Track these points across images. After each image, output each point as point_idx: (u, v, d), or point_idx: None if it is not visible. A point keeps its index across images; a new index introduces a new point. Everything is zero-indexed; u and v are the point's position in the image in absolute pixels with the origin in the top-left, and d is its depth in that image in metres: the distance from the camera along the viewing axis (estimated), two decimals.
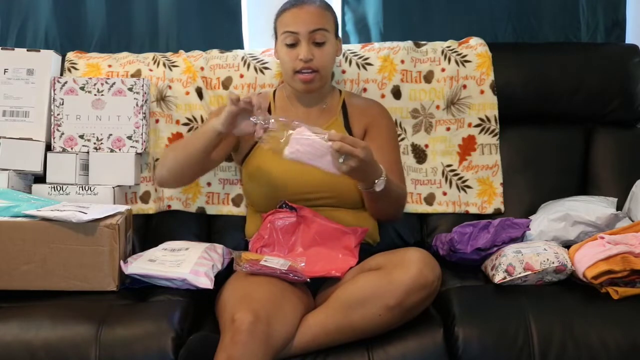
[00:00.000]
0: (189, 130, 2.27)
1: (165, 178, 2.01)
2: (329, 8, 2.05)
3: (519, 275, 1.85)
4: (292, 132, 1.73)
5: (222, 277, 1.90)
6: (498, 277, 1.87)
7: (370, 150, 1.76)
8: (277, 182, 1.99)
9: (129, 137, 2.18)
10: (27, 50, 2.22)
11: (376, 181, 1.82)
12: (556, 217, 2.05)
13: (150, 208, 2.25)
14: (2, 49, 2.22)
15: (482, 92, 2.31)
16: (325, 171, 1.76)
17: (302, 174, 1.96)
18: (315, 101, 2.08)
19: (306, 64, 1.96)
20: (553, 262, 1.85)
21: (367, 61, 2.32)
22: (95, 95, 2.18)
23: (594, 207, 2.06)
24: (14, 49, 2.22)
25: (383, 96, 2.29)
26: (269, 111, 2.10)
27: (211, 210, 2.27)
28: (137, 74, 2.29)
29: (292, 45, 1.98)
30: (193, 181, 2.12)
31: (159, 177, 2.02)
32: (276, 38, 2.06)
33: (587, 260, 1.82)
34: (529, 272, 1.85)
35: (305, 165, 1.75)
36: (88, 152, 2.18)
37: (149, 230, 2.25)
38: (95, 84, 2.18)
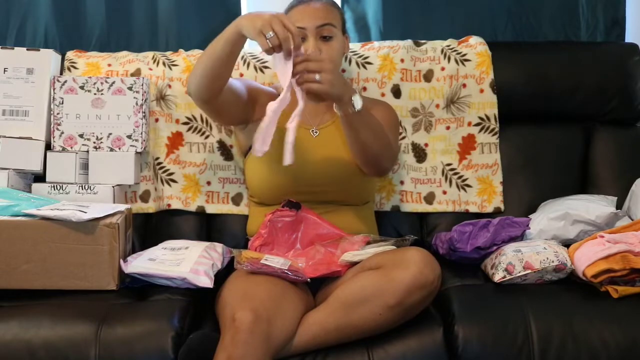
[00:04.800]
0: (189, 129, 2.27)
1: (193, 83, 1.87)
2: (335, 5, 2.06)
3: (519, 274, 1.85)
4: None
5: (222, 276, 1.90)
6: (498, 276, 1.87)
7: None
8: (283, 170, 1.98)
9: (129, 136, 2.18)
10: (27, 50, 2.22)
11: (353, 98, 1.80)
12: (556, 215, 2.05)
13: (150, 207, 2.25)
14: (1, 48, 2.21)
15: (481, 91, 2.31)
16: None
17: (310, 166, 1.96)
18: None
19: None
20: (553, 261, 1.85)
21: (366, 60, 2.32)
22: (95, 94, 2.18)
23: (593, 206, 2.06)
24: (13, 48, 2.22)
25: (383, 95, 2.29)
26: None
27: (211, 209, 2.27)
28: (136, 73, 2.29)
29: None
30: (216, 93, 1.89)
31: (189, 84, 1.90)
32: None
33: (586, 259, 1.82)
34: (529, 271, 1.85)
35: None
36: (88, 151, 2.18)
37: (148, 230, 2.26)
38: (95, 83, 2.18)
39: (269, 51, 1.70)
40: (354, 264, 1.85)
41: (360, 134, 1.86)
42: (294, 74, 1.75)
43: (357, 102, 1.81)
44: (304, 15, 1.98)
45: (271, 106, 1.75)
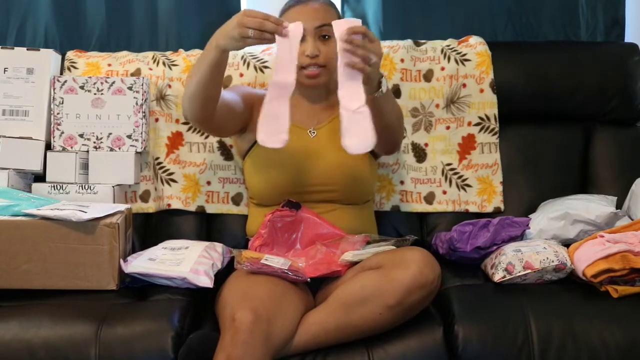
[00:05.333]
0: (189, 129, 2.27)
1: (186, 107, 1.89)
2: (332, 5, 2.06)
3: (519, 274, 1.85)
4: None
5: (222, 276, 1.90)
6: (498, 276, 1.87)
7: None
8: (282, 171, 1.99)
9: (129, 136, 2.18)
10: (27, 49, 2.22)
11: (381, 80, 1.80)
12: (556, 215, 2.05)
13: (150, 207, 2.25)
14: (1, 48, 2.21)
15: (481, 90, 2.31)
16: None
17: (309, 167, 1.97)
18: (320, 97, 2.08)
19: (312, 60, 1.96)
20: (553, 261, 1.85)
21: None
22: (95, 94, 2.18)
23: (593, 206, 2.06)
24: (13, 48, 2.22)
25: None
26: None
27: (211, 209, 2.27)
28: (136, 73, 2.29)
29: None
30: (211, 113, 1.89)
31: (183, 108, 1.92)
32: None
33: (586, 258, 1.82)
34: (529, 271, 1.85)
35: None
36: (88, 151, 2.18)
37: (148, 229, 2.26)
38: (95, 83, 2.18)
39: (268, 42, 1.72)
40: (354, 263, 1.85)
41: (385, 115, 1.87)
42: (348, 53, 1.71)
43: (384, 83, 1.81)
44: (302, 15, 1.97)
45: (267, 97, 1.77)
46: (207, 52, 1.79)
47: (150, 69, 2.30)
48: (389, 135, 1.95)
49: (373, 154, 2.07)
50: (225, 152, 2.27)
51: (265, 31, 1.70)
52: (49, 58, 2.21)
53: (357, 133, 1.75)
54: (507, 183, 2.31)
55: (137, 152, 2.20)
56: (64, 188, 2.12)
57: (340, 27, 1.74)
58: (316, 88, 2.03)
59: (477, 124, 2.32)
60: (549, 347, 1.68)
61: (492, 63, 2.33)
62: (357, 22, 1.75)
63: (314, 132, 2.04)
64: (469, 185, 2.30)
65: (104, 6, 2.50)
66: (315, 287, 1.87)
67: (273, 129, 1.77)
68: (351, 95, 1.75)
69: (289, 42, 1.75)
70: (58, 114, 2.18)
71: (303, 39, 1.96)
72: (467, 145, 2.31)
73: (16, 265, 1.85)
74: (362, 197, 2.06)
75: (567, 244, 1.97)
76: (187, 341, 1.64)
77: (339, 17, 2.06)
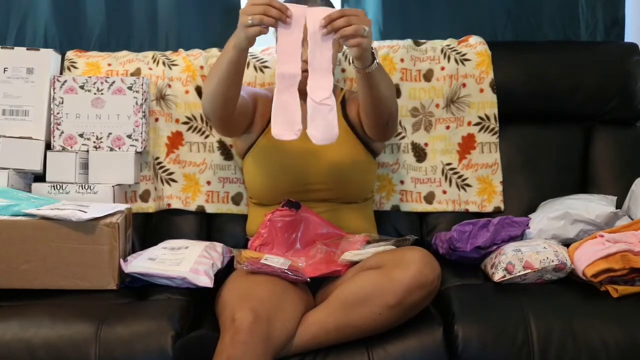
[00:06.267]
0: (189, 129, 2.27)
1: (207, 107, 1.91)
2: (330, 6, 2.06)
3: (519, 274, 1.85)
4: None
5: (222, 276, 1.90)
6: (498, 276, 1.87)
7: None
8: (281, 170, 1.99)
9: (129, 136, 2.18)
10: (27, 49, 2.22)
11: (373, 51, 1.78)
12: (556, 215, 2.05)
13: (150, 207, 2.25)
14: (1, 47, 2.21)
15: (481, 90, 2.31)
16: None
17: (307, 166, 1.97)
18: None
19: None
20: (553, 261, 1.85)
21: None
22: (94, 94, 2.18)
23: (593, 206, 2.06)
24: (13, 48, 2.22)
25: None
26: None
27: (211, 208, 2.27)
28: (136, 73, 2.29)
29: None
30: (231, 112, 1.92)
31: (203, 107, 1.94)
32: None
33: (586, 258, 1.82)
34: (529, 271, 1.85)
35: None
36: (88, 151, 2.18)
37: (148, 229, 2.26)
38: (94, 83, 2.18)
39: (270, 26, 1.70)
40: (354, 263, 1.85)
41: (380, 88, 1.84)
42: (342, 35, 1.70)
43: (376, 55, 1.79)
44: None
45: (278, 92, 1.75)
46: (225, 52, 1.79)
47: (150, 69, 2.30)
48: (384, 113, 1.92)
49: (372, 152, 2.08)
50: (225, 152, 2.27)
51: (270, 16, 1.68)
52: (48, 58, 2.21)
53: (320, 125, 1.74)
54: (507, 183, 2.31)
55: (137, 152, 2.20)
56: (63, 188, 2.12)
57: (315, 16, 1.71)
58: None
59: (477, 124, 2.32)
60: (549, 347, 1.68)
61: (492, 63, 2.33)
62: (330, 10, 1.72)
63: None
64: (468, 185, 2.30)
65: (104, 6, 2.50)
66: (315, 287, 1.87)
67: (286, 121, 1.75)
68: (319, 86, 1.74)
69: (290, 29, 1.72)
70: (58, 113, 2.18)
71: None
72: (467, 145, 2.31)
73: (16, 265, 1.85)
74: (360, 196, 2.06)
75: (567, 243, 1.97)
76: (186, 337, 1.64)
77: None
